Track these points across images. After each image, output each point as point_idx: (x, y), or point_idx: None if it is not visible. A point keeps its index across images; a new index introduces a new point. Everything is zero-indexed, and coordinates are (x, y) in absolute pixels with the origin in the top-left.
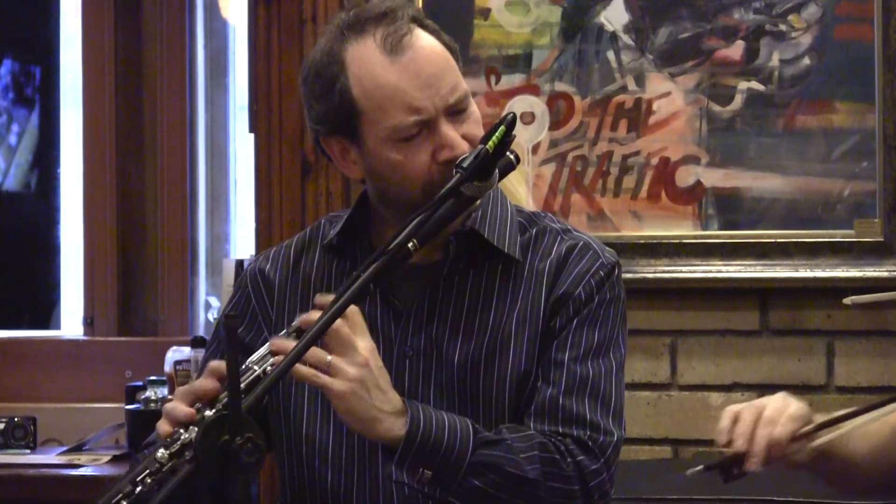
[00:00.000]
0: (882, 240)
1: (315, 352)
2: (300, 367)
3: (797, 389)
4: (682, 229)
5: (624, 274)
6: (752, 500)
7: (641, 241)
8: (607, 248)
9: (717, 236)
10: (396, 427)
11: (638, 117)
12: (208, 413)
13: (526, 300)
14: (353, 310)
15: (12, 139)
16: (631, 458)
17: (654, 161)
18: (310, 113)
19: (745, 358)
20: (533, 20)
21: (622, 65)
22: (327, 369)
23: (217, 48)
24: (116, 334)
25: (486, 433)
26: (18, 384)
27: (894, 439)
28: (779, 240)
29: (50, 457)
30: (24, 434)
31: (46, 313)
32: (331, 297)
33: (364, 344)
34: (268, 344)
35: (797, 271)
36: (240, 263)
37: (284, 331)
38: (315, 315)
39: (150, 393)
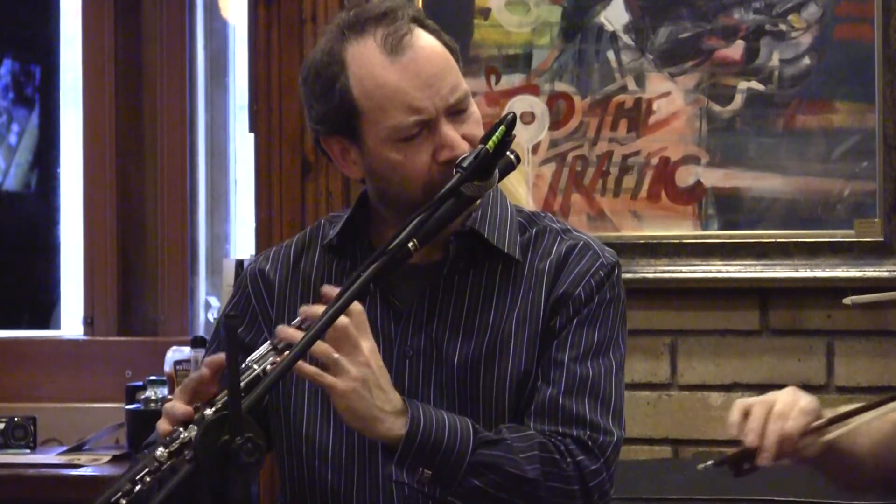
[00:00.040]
0: (882, 240)
1: (323, 347)
2: (304, 366)
3: None
4: (682, 229)
5: (624, 274)
6: (752, 499)
7: (641, 241)
8: (607, 248)
9: (717, 236)
10: (397, 427)
11: (638, 117)
12: (208, 412)
13: (526, 300)
14: (358, 309)
15: (12, 139)
16: (631, 458)
17: (654, 161)
18: (310, 113)
19: (745, 358)
20: (533, 20)
21: (622, 65)
22: (330, 365)
23: (217, 48)
24: (116, 334)
25: (486, 433)
26: (18, 384)
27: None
28: (779, 240)
29: (50, 457)
30: (24, 434)
31: (46, 313)
32: (337, 290)
33: (367, 344)
34: (267, 343)
35: (797, 271)
36: (240, 263)
37: (296, 320)
38: (319, 309)
39: (150, 393)
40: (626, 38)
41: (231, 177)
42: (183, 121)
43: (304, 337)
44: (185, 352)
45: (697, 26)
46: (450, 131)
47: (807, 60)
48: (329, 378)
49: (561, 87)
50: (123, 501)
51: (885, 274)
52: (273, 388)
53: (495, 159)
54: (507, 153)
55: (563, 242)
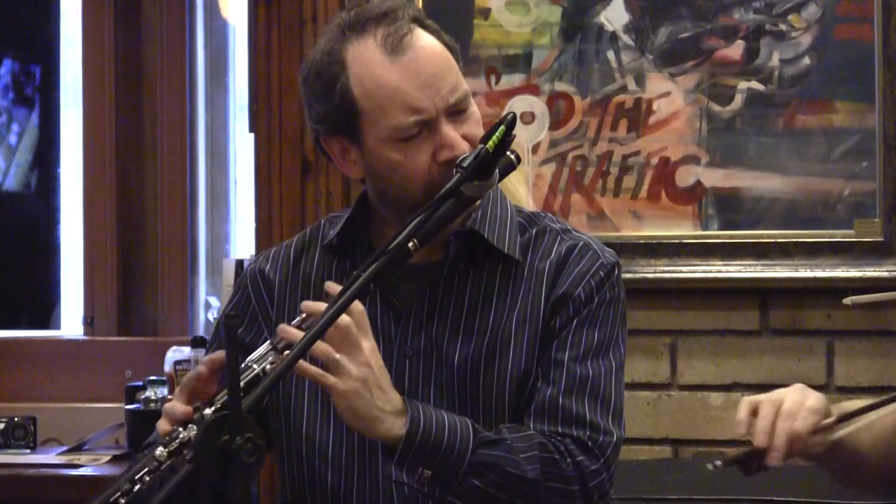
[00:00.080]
0: (882, 240)
1: (324, 348)
2: (306, 366)
3: None
4: (682, 229)
5: (624, 274)
6: (751, 499)
7: (641, 241)
8: (607, 249)
9: (717, 236)
10: (397, 427)
11: (638, 117)
12: (208, 412)
13: (526, 300)
14: (359, 309)
15: (12, 139)
16: (631, 458)
17: (654, 161)
18: (310, 113)
19: (745, 358)
20: (533, 20)
21: (622, 65)
22: (332, 366)
23: (217, 48)
24: (116, 334)
25: (486, 433)
26: (18, 384)
27: None
28: (779, 240)
29: (50, 457)
30: (24, 434)
31: (46, 313)
32: (339, 287)
33: (367, 344)
34: (267, 343)
35: (797, 271)
36: (240, 263)
37: (296, 320)
38: (321, 306)
39: (150, 393)
40: (626, 38)
41: (231, 177)
42: (183, 121)
43: (304, 336)
44: (185, 352)
45: (697, 26)
46: (450, 131)
47: (807, 60)
48: (331, 378)
49: (561, 87)
50: (122, 501)
51: (885, 274)
52: (273, 388)
53: (495, 159)
54: (507, 153)
55: (563, 243)
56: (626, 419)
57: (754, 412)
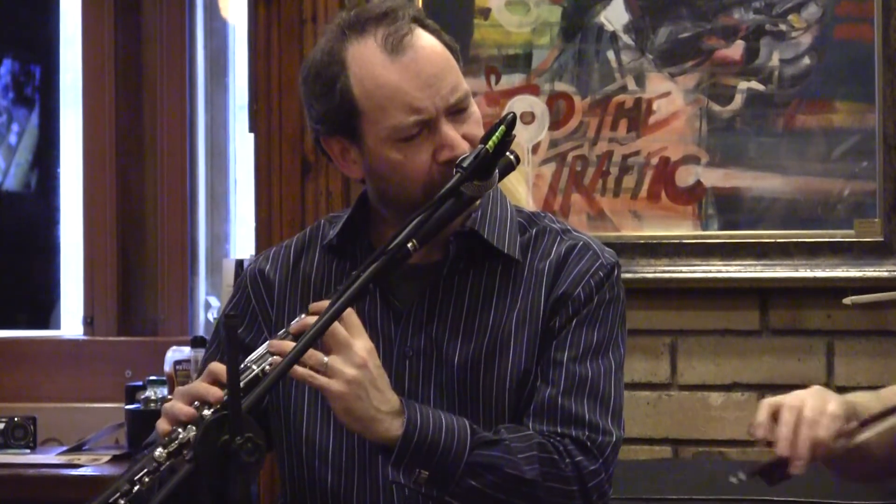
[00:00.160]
0: (882, 240)
1: (312, 354)
2: (298, 369)
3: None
4: (682, 229)
5: (624, 274)
6: (751, 499)
7: (641, 241)
8: (607, 249)
9: (717, 236)
10: (394, 427)
11: (638, 117)
12: (207, 413)
13: (526, 300)
14: (347, 311)
15: (12, 139)
16: (631, 458)
17: (654, 161)
18: (310, 112)
19: (745, 358)
20: (533, 20)
21: (622, 65)
22: (325, 370)
23: (217, 48)
24: (116, 334)
25: (483, 434)
26: (18, 384)
27: None
28: (779, 240)
29: (50, 457)
30: (24, 434)
31: (46, 313)
32: (325, 304)
33: (361, 344)
34: (266, 344)
35: (797, 271)
36: (240, 263)
37: (284, 330)
38: (310, 320)
39: (150, 393)
40: (626, 38)
41: (231, 177)
42: (183, 121)
43: (301, 339)
44: (185, 352)
45: (697, 26)
46: (450, 131)
47: (807, 60)
48: (322, 379)
49: (561, 87)
50: (122, 502)
51: (885, 274)
52: (273, 389)
53: (495, 159)
54: (507, 153)
55: (563, 243)
56: (626, 419)
57: (774, 415)
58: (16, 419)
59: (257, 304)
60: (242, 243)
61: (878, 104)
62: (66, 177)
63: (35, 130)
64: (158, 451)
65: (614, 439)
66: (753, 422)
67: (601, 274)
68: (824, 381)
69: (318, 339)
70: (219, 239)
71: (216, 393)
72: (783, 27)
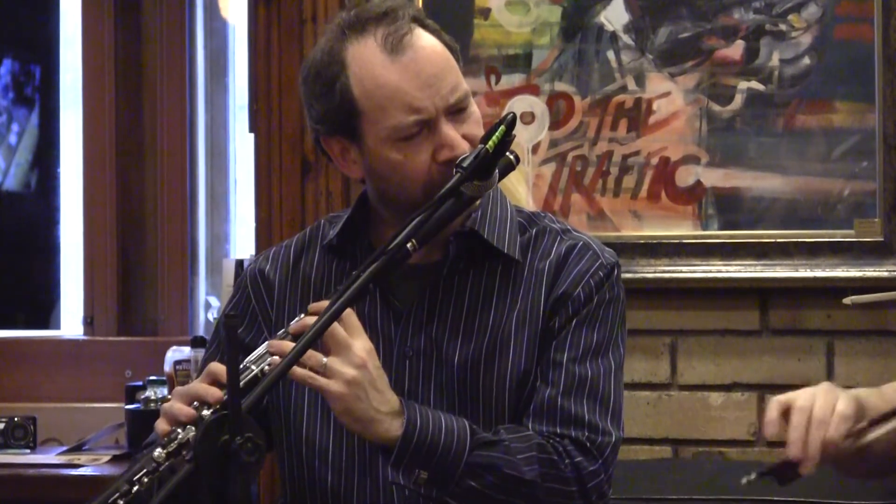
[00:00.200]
0: (882, 240)
1: (311, 354)
2: (297, 370)
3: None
4: (682, 229)
5: (624, 274)
6: (751, 499)
7: (641, 241)
8: (607, 249)
9: (717, 236)
10: (394, 428)
11: (638, 117)
12: (206, 413)
13: (526, 300)
14: (347, 311)
15: (12, 139)
16: (631, 458)
17: (654, 161)
18: (310, 112)
19: (745, 358)
20: (533, 20)
21: (622, 65)
22: (324, 371)
23: (217, 48)
24: (116, 334)
25: (483, 434)
26: (18, 384)
27: None
28: (779, 240)
29: (50, 457)
30: (24, 434)
31: (46, 313)
32: (324, 305)
33: (361, 344)
34: (266, 344)
35: (797, 271)
36: (240, 263)
37: (283, 330)
38: (310, 320)
39: (150, 393)
40: (626, 38)
41: (231, 177)
42: (183, 121)
43: (300, 340)
44: (185, 352)
45: (697, 26)
46: (450, 131)
47: (807, 60)
48: (321, 380)
49: (561, 87)
50: (121, 502)
51: (885, 274)
52: (273, 389)
53: (495, 159)
54: (507, 153)
55: (563, 242)
56: (626, 419)
57: (784, 414)
58: (16, 419)
59: (257, 304)
60: (242, 243)
61: (878, 104)
62: (66, 177)
63: (35, 130)
64: (157, 452)
65: (614, 440)
66: (764, 420)
67: (601, 274)
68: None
69: (318, 339)
70: (219, 239)
71: (215, 393)
72: (783, 27)
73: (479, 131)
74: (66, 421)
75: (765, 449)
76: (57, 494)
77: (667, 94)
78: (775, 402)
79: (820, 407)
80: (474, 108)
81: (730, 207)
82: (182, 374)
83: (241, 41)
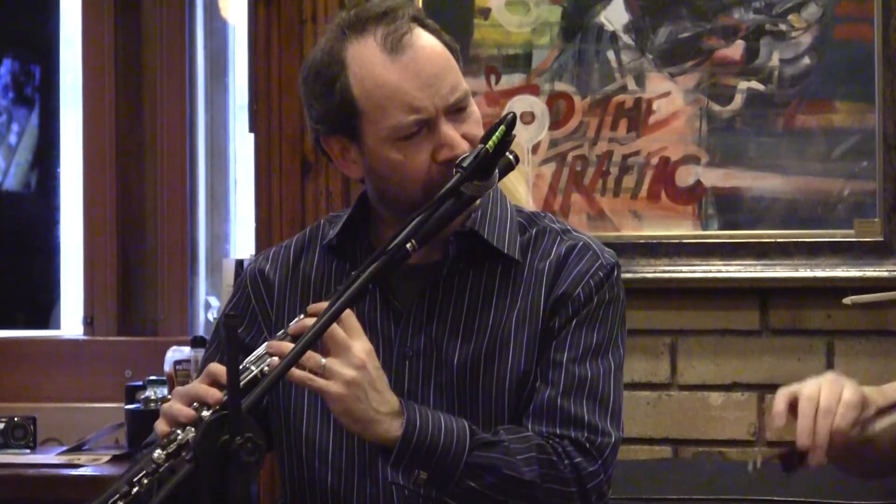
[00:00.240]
0: (882, 240)
1: (311, 356)
2: (296, 372)
3: None
4: (682, 229)
5: (624, 274)
6: (750, 499)
7: (641, 241)
8: (607, 249)
9: (717, 236)
10: (393, 428)
11: (638, 117)
12: (206, 414)
13: (525, 300)
14: (346, 312)
15: (12, 139)
16: (631, 458)
17: (654, 161)
18: (310, 112)
19: (745, 358)
20: (533, 20)
21: (622, 64)
22: (323, 372)
23: (217, 48)
24: (116, 334)
25: (482, 435)
26: (18, 384)
27: None
28: (779, 240)
29: (50, 457)
30: (24, 434)
31: (46, 313)
32: (323, 306)
33: (360, 345)
34: (265, 345)
35: (797, 271)
36: (240, 263)
37: (283, 330)
38: (309, 321)
39: (150, 393)
40: (626, 38)
41: (231, 177)
42: (183, 121)
43: (299, 341)
44: (185, 352)
45: (697, 26)
46: (449, 131)
47: (807, 60)
48: (320, 381)
49: (561, 86)
50: (121, 503)
51: (885, 274)
52: (272, 389)
53: (495, 159)
54: (507, 153)
55: (563, 243)
56: (625, 419)
57: (791, 405)
58: (16, 419)
59: (257, 304)
60: (242, 243)
61: (878, 104)
62: (66, 177)
63: (35, 130)
64: (157, 453)
65: (613, 440)
66: (771, 412)
67: (601, 274)
68: None
69: (317, 340)
70: (219, 239)
71: (215, 394)
72: (783, 27)
73: (479, 131)
74: (66, 421)
75: (765, 449)
76: (57, 494)
77: (667, 94)
78: (782, 394)
79: (826, 396)
80: (474, 108)
81: (730, 207)
82: (182, 374)
83: (241, 41)
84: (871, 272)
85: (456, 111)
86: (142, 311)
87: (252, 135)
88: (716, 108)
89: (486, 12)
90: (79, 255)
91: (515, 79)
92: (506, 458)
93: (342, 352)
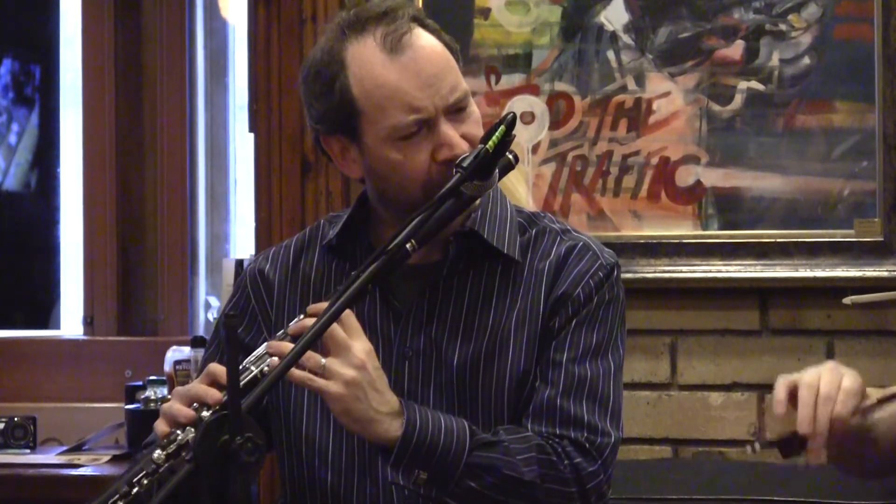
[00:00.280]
0: (882, 240)
1: (310, 356)
2: (296, 372)
3: None
4: (682, 229)
5: (624, 274)
6: (750, 499)
7: (641, 241)
8: (606, 249)
9: (717, 236)
10: (393, 428)
11: (638, 117)
12: (206, 414)
13: (525, 300)
14: (346, 312)
15: (12, 139)
16: (631, 458)
17: (654, 161)
18: (310, 112)
19: (745, 358)
20: (533, 20)
21: (622, 64)
22: (323, 372)
23: (217, 48)
24: (116, 334)
25: (482, 435)
26: (18, 384)
27: None
28: (779, 240)
29: (50, 456)
30: (24, 434)
31: (46, 313)
32: (323, 306)
33: (360, 345)
34: (265, 345)
35: (797, 271)
36: (240, 263)
37: (283, 331)
38: (308, 322)
39: (149, 393)
40: (626, 38)
41: (231, 177)
42: (183, 121)
43: (299, 341)
44: (185, 352)
45: (697, 26)
46: (449, 130)
47: (807, 60)
48: (319, 381)
49: (561, 86)
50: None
51: (885, 274)
52: (272, 389)
53: (495, 159)
54: (507, 153)
55: (563, 243)
56: (625, 419)
57: (791, 393)
58: (16, 419)
59: (257, 304)
60: (242, 243)
61: (878, 104)
62: (66, 177)
63: (35, 130)
64: (157, 453)
65: (613, 440)
66: (772, 400)
67: (601, 274)
68: None
69: (317, 340)
70: (219, 239)
71: (215, 395)
72: (783, 27)
73: (479, 131)
74: (66, 421)
75: (765, 449)
76: (57, 494)
77: (667, 94)
78: (782, 382)
79: (826, 383)
80: (474, 108)
81: (730, 207)
82: (182, 374)
83: (241, 41)
84: (871, 272)
85: (456, 111)
86: (142, 311)
87: (252, 135)
88: (716, 108)
89: (486, 12)
90: (79, 254)
91: (515, 79)
92: (506, 458)
93: (342, 352)
